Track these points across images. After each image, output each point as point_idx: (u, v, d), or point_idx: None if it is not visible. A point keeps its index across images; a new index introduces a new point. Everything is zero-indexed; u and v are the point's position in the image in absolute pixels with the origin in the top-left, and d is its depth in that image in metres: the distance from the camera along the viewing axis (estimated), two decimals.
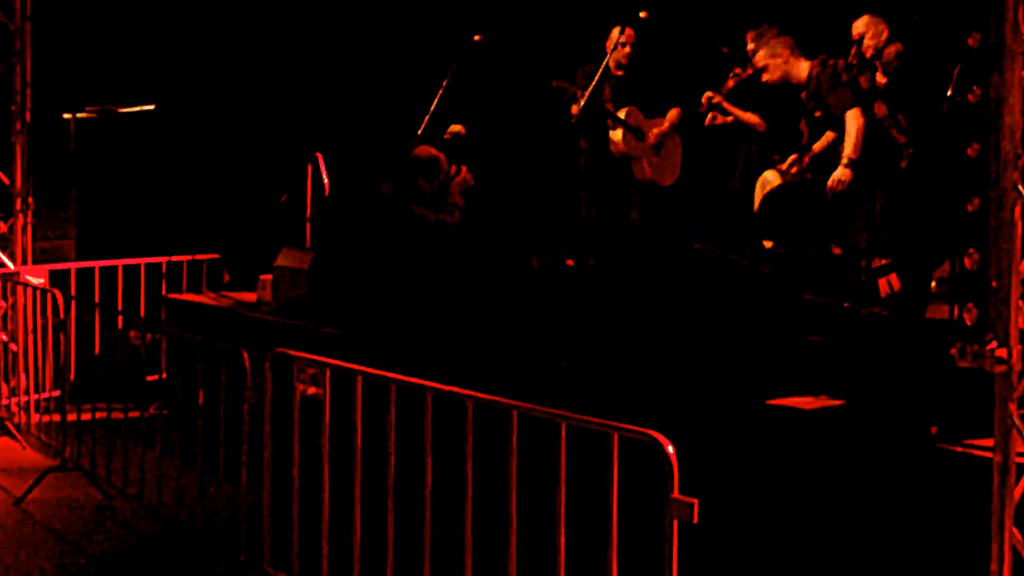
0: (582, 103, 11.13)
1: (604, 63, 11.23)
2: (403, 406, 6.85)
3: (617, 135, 11.54)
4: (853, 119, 9.87)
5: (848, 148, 9.81)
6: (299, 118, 13.88)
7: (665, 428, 6.08)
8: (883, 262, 9.49)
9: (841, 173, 9.81)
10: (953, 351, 5.14)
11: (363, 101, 13.68)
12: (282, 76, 14.17)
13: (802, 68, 10.02)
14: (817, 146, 10.16)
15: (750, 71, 11.09)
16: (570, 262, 11.53)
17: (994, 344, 5.10)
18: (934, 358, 6.65)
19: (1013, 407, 5.12)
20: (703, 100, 11.24)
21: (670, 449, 5.48)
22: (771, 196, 10.15)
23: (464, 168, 11.00)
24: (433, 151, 10.79)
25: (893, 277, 9.28)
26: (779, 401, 7.35)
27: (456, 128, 11.57)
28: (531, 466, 6.24)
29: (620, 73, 11.70)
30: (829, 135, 10.11)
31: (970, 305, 5.10)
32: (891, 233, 9.67)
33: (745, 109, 11.18)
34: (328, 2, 14.19)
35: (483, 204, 11.36)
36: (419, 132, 11.41)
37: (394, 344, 9.55)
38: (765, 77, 10.02)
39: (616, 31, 11.71)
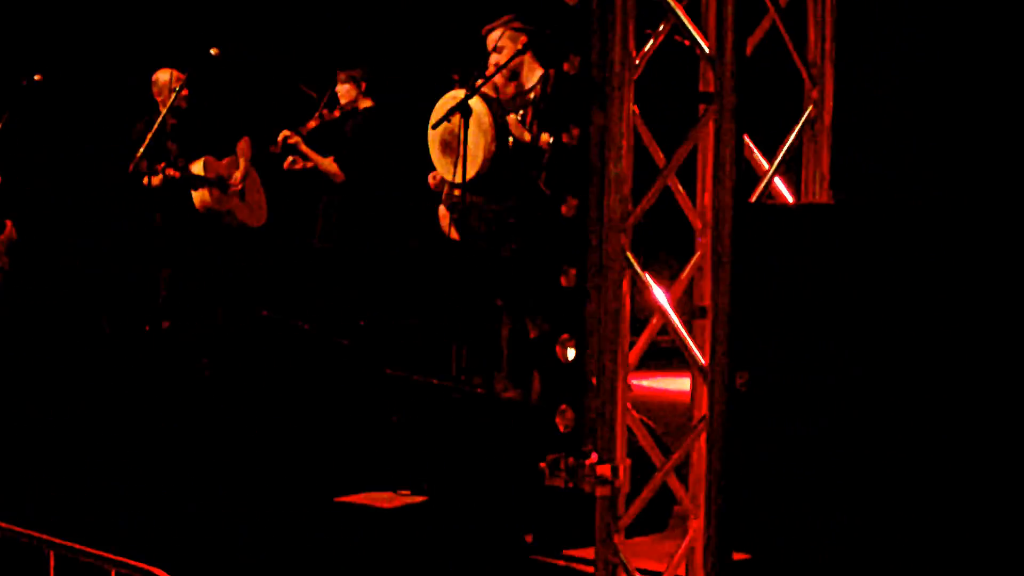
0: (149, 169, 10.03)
1: (159, 118, 9.95)
2: None
3: (201, 195, 10.29)
4: None
5: None
6: None
7: (213, 531, 5.82)
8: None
9: None
10: (542, 464, 3.95)
11: None
12: None
13: (535, 73, 8.45)
14: None
15: (337, 113, 10.06)
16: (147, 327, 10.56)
17: (595, 458, 3.92)
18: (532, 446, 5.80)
19: (619, 539, 3.94)
20: (278, 139, 10.01)
21: None
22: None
23: (8, 223, 9.58)
24: None
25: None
26: (351, 498, 6.74)
27: None
28: None
29: (175, 121, 10.39)
30: None
31: (564, 407, 3.91)
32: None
33: (326, 155, 9.98)
34: None
35: (32, 262, 10.04)
36: None
37: None
38: (494, 59, 8.42)
39: (162, 75, 10.50)
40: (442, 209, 8.65)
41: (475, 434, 7.01)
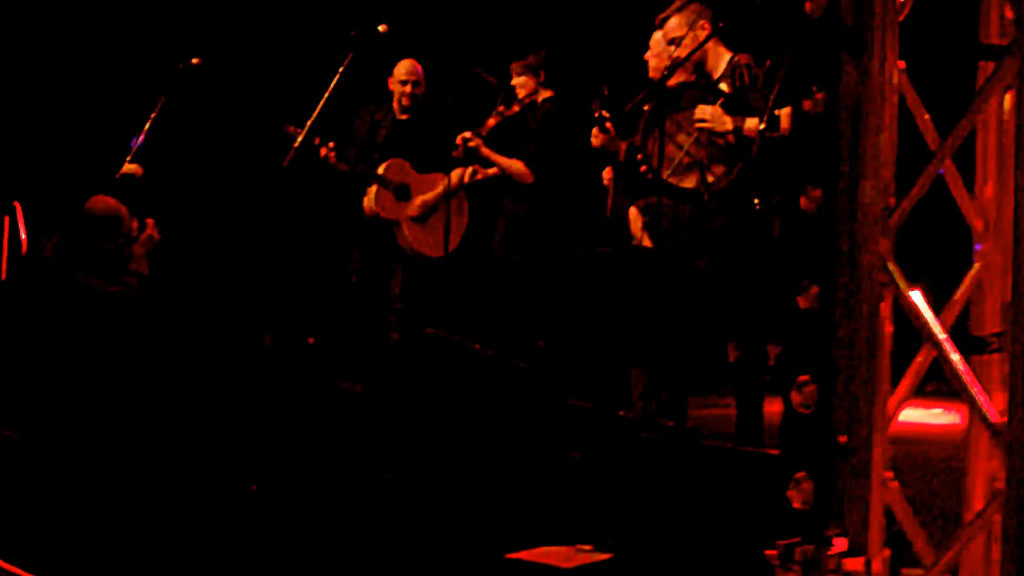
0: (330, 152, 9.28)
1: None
2: None
3: (370, 194, 9.44)
4: None
5: None
6: None
7: None
8: None
9: None
10: (771, 552, 2.90)
11: (71, 138, 11.54)
12: None
13: (722, 58, 7.46)
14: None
15: (516, 108, 9.21)
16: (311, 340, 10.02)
17: (843, 545, 2.85)
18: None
19: None
20: (458, 142, 9.14)
21: None
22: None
23: (150, 222, 8.80)
24: (112, 202, 8.58)
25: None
26: (522, 554, 5.97)
27: (131, 168, 9.44)
28: None
29: (405, 117, 9.60)
30: None
31: (800, 475, 2.85)
32: None
33: (510, 156, 9.12)
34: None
35: (173, 268, 9.36)
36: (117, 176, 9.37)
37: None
38: (673, 53, 7.43)
39: (404, 64, 9.66)
40: (633, 211, 7.67)
41: (677, 481, 6.09)
